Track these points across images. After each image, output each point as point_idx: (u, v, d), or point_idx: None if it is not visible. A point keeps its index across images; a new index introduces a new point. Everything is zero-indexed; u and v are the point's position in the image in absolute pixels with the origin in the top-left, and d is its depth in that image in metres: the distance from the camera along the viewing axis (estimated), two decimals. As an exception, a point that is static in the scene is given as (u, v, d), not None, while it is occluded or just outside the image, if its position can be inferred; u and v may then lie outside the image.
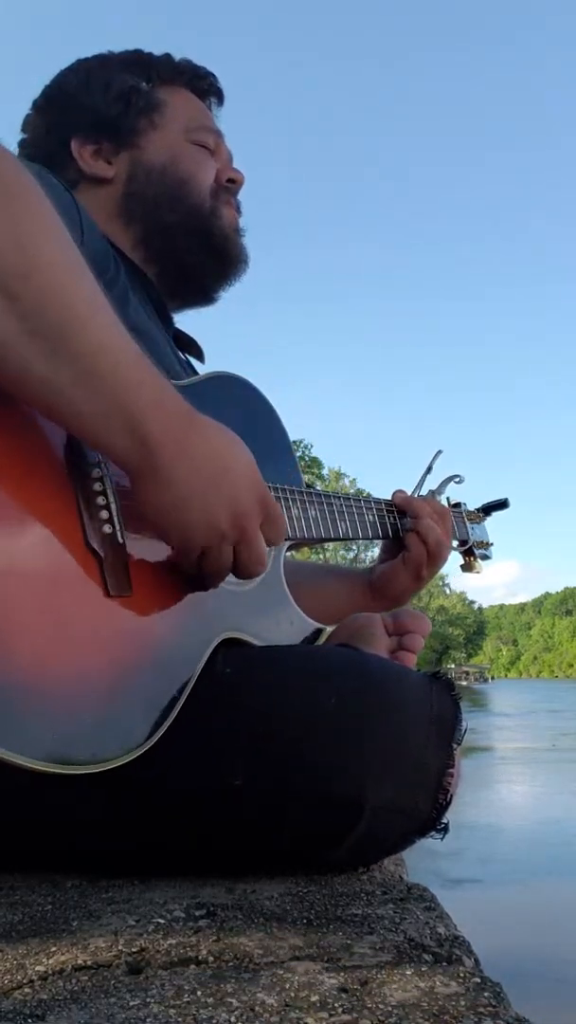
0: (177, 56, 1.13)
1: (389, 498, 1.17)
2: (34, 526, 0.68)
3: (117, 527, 0.73)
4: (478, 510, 1.40)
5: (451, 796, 0.81)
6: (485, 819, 7.37)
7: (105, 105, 1.05)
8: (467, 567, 1.39)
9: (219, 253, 1.08)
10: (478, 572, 1.40)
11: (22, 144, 1.10)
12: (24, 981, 0.53)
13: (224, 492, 0.74)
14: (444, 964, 0.56)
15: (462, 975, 0.54)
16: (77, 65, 1.10)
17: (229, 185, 1.10)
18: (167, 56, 1.11)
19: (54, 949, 0.58)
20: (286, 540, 0.96)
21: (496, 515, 1.43)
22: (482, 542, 1.38)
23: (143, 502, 0.73)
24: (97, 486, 0.73)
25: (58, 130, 1.06)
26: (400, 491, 1.17)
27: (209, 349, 1.16)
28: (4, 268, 0.62)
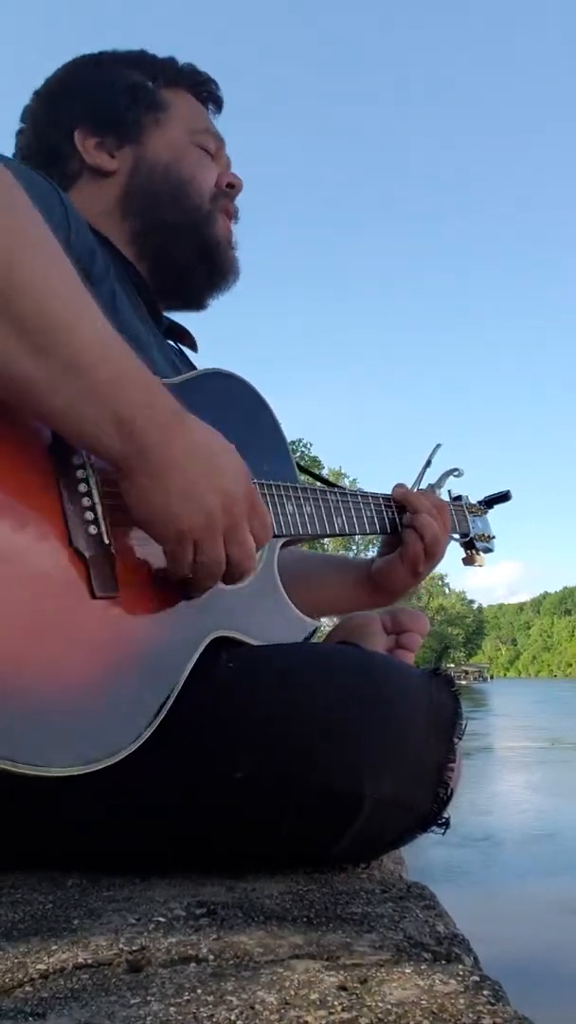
0: (181, 61, 1.13)
1: (388, 492, 1.17)
2: (17, 527, 0.68)
3: (103, 527, 0.73)
4: (480, 503, 1.39)
5: (451, 791, 0.81)
6: (484, 818, 7.38)
7: (111, 99, 1.05)
8: (468, 560, 1.37)
9: (210, 259, 1.09)
10: (480, 565, 1.38)
11: (20, 133, 1.10)
12: (25, 979, 0.53)
13: (213, 482, 0.74)
14: (443, 962, 0.56)
15: (461, 973, 0.54)
16: (82, 59, 1.10)
17: (228, 190, 1.10)
18: (171, 59, 1.12)
19: (55, 947, 0.58)
20: (281, 536, 0.95)
21: (497, 513, 1.42)
22: (484, 535, 1.37)
23: (132, 499, 0.73)
24: (82, 487, 0.74)
25: (62, 121, 1.06)
26: (400, 485, 1.17)
27: (205, 341, 1.15)
28: None
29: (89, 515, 0.73)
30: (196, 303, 1.14)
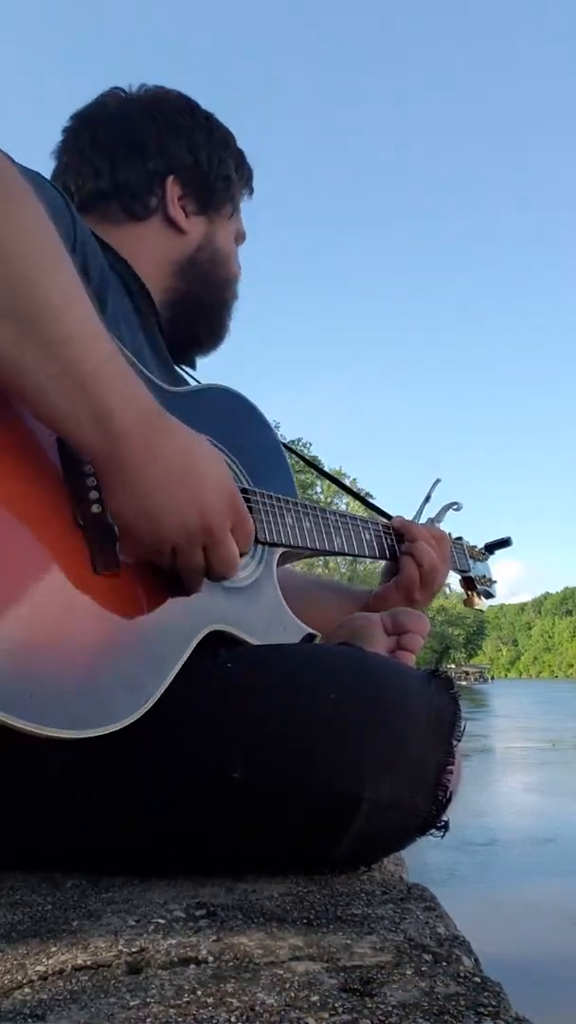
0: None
1: (388, 519, 1.21)
2: (23, 502, 0.69)
3: (106, 507, 0.74)
4: (481, 548, 1.42)
5: (451, 794, 0.81)
6: (485, 820, 7.37)
7: (211, 168, 1.11)
8: (468, 602, 1.41)
9: (213, 340, 1.19)
10: (480, 608, 1.42)
11: (74, 143, 1.10)
12: (24, 981, 0.53)
13: (192, 492, 0.74)
14: (444, 964, 0.56)
15: (462, 975, 0.54)
16: (189, 108, 1.13)
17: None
18: (243, 155, 1.19)
19: (54, 949, 0.58)
20: (279, 546, 0.98)
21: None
22: (484, 578, 1.40)
23: (111, 502, 0.73)
24: (87, 467, 0.74)
25: (163, 156, 1.09)
26: (399, 517, 1.22)
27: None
28: None
29: (93, 494, 0.73)
30: (183, 360, 1.19)
